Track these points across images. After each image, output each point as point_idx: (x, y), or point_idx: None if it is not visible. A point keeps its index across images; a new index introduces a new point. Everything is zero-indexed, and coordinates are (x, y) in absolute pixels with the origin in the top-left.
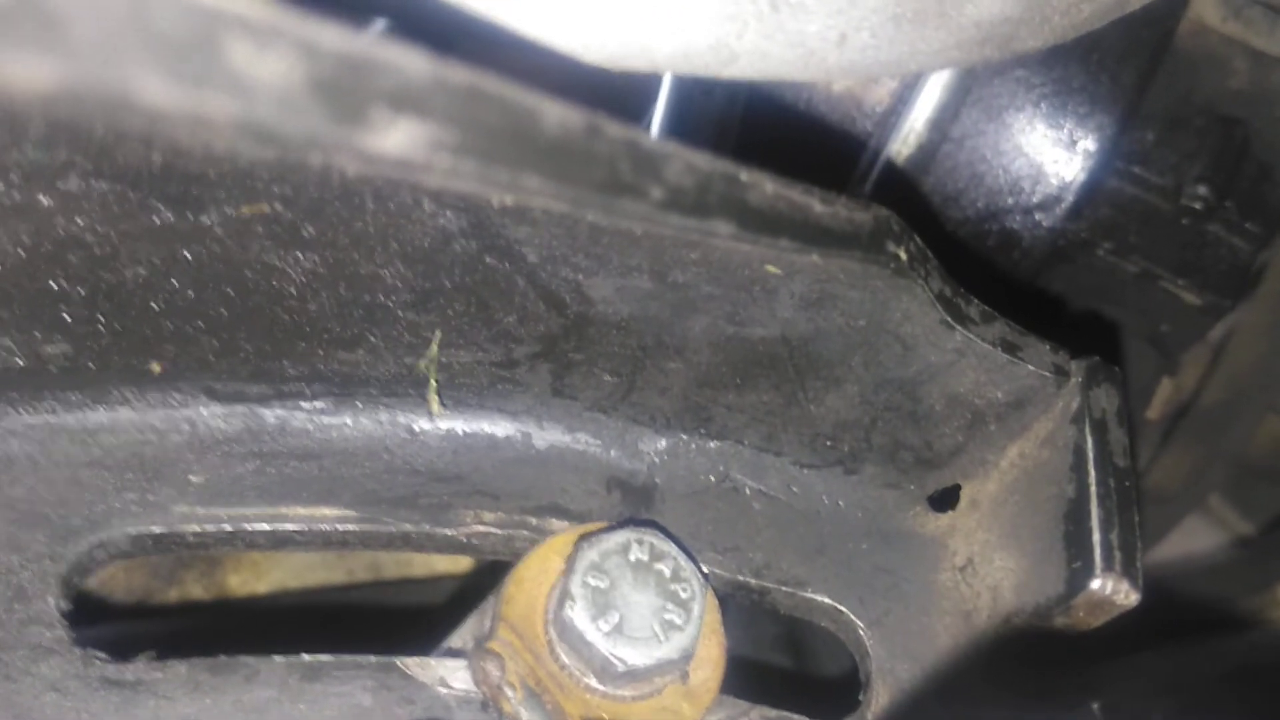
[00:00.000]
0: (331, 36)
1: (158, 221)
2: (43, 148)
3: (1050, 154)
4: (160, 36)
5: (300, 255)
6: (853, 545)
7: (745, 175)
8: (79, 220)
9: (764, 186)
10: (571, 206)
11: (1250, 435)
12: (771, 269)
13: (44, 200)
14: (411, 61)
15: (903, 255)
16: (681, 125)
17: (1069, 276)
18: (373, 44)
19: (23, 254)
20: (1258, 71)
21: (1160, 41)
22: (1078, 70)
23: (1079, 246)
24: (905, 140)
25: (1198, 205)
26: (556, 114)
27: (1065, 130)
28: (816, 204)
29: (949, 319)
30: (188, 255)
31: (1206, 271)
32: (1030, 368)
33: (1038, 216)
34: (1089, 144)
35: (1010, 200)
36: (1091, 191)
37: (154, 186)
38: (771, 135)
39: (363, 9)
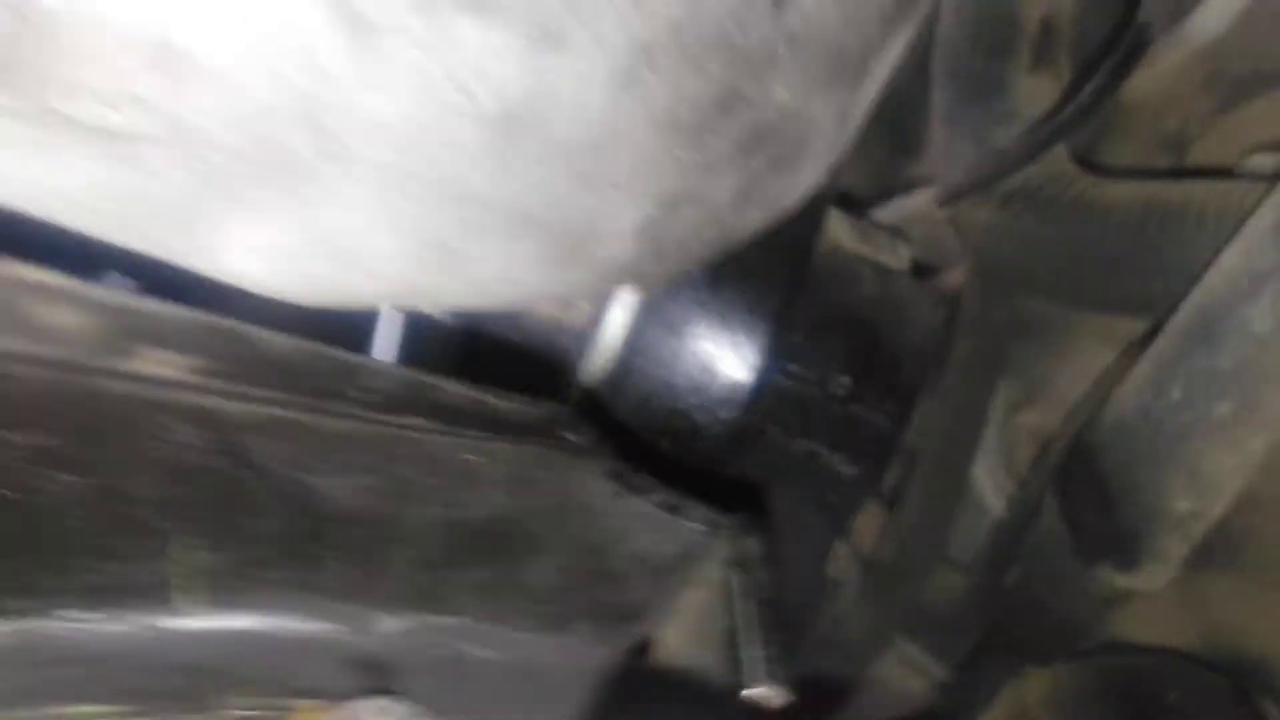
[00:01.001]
0: (114, 296)
1: None
2: None
3: (722, 360)
4: None
5: (61, 476)
6: (572, 695)
7: (430, 379)
8: None
9: (448, 388)
10: (290, 410)
11: (925, 585)
12: (471, 458)
13: None
14: (174, 312)
15: (574, 439)
16: (411, 341)
17: (751, 459)
18: (138, 299)
19: None
20: (883, 282)
21: (800, 264)
22: (735, 290)
23: (754, 433)
24: (602, 354)
25: (841, 392)
26: (272, 340)
27: (732, 339)
28: (494, 400)
29: (620, 489)
30: None
31: (855, 447)
32: (689, 525)
33: (716, 411)
34: (749, 350)
35: (694, 400)
36: (757, 389)
37: None
38: (492, 351)
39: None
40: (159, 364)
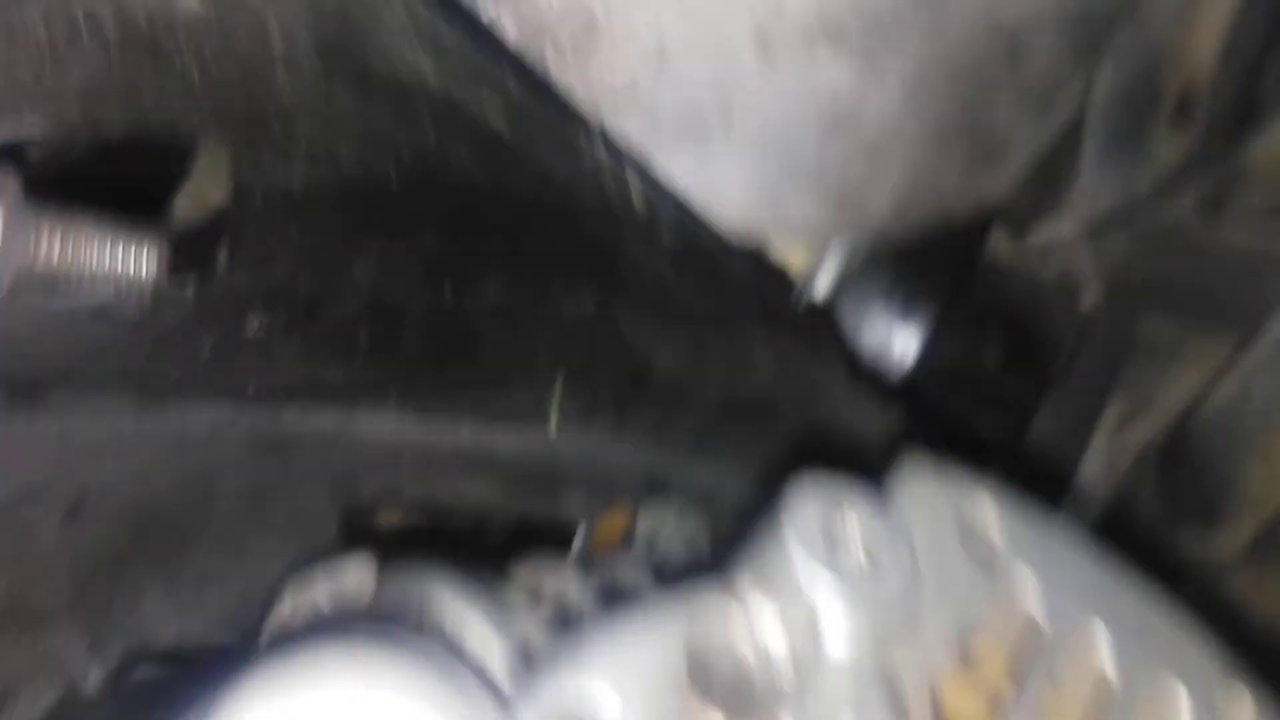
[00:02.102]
0: None
1: None
2: None
3: (897, 333)
4: None
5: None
6: None
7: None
8: None
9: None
10: None
11: None
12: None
13: None
14: None
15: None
16: None
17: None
18: None
19: None
20: (1031, 290)
21: (966, 267)
22: (914, 279)
23: (918, 392)
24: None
25: (992, 368)
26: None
27: (906, 317)
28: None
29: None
30: None
31: (999, 414)
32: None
33: (891, 372)
34: (921, 327)
35: (870, 362)
36: (924, 357)
37: None
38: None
39: None
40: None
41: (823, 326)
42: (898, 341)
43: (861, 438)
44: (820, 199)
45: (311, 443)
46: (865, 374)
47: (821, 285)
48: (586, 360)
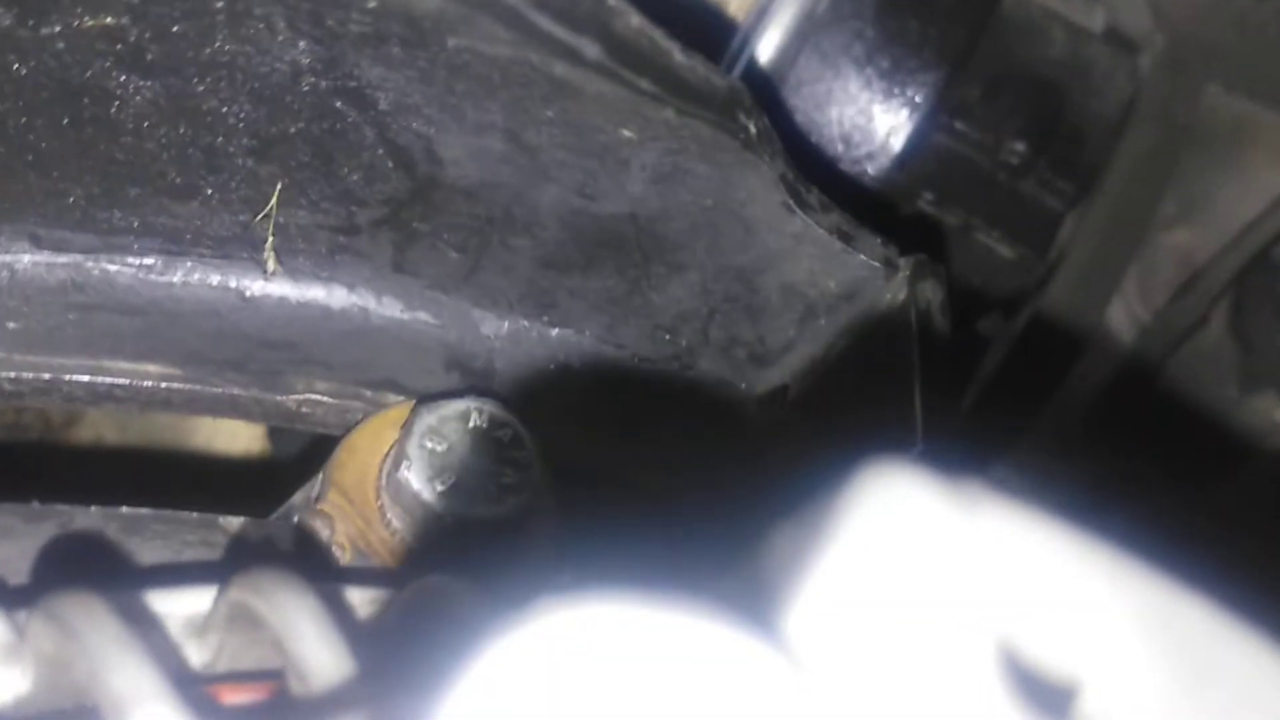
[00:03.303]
0: None
1: None
2: None
3: (880, 105)
4: None
5: (141, 82)
6: (687, 439)
7: (613, 1)
8: None
9: (630, 18)
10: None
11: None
12: (627, 133)
13: None
14: None
15: (752, 129)
16: None
17: (892, 225)
18: None
19: None
20: (1074, 43)
21: (987, 7)
22: (911, 25)
23: (902, 195)
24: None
25: (1014, 161)
26: None
27: (895, 82)
28: (677, 52)
29: (790, 202)
30: (23, 72)
31: (1019, 226)
32: (862, 258)
33: (865, 165)
34: (916, 97)
35: (840, 147)
36: (916, 142)
37: None
38: None
39: None
40: None
41: (748, 97)
42: (881, 120)
43: (803, 288)
44: None
45: None
46: (824, 181)
47: (760, 53)
48: (320, 150)
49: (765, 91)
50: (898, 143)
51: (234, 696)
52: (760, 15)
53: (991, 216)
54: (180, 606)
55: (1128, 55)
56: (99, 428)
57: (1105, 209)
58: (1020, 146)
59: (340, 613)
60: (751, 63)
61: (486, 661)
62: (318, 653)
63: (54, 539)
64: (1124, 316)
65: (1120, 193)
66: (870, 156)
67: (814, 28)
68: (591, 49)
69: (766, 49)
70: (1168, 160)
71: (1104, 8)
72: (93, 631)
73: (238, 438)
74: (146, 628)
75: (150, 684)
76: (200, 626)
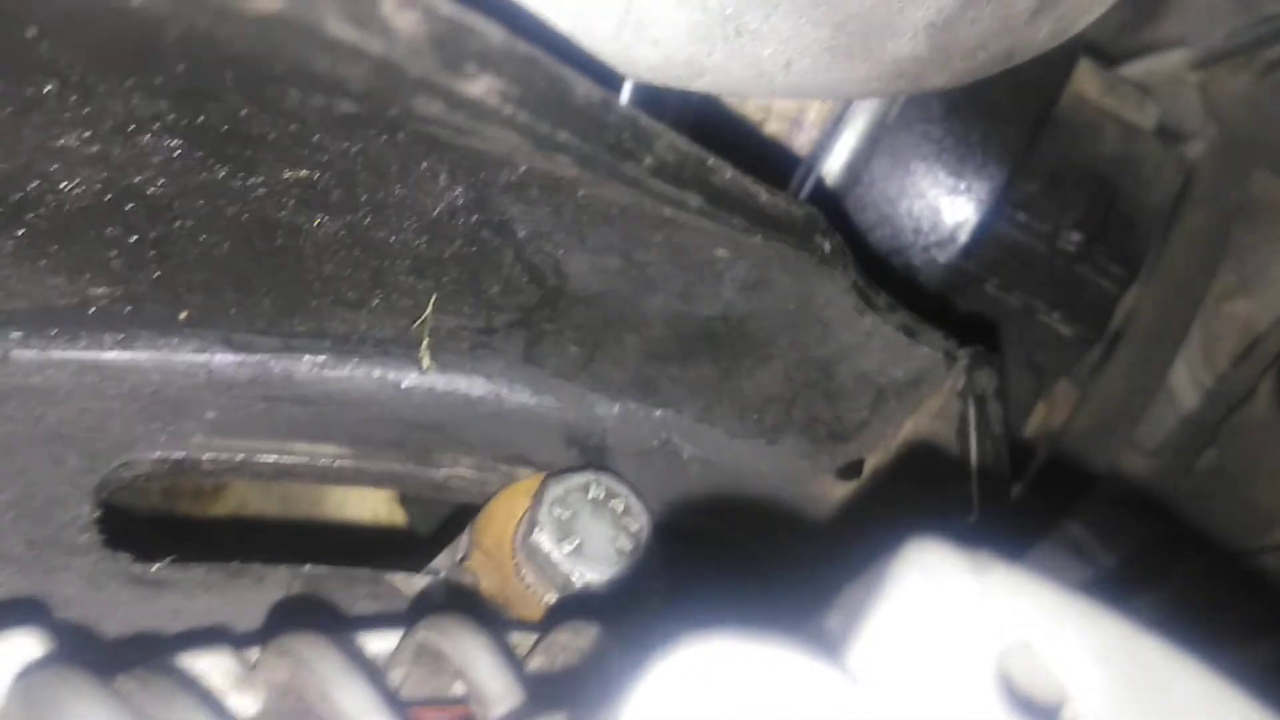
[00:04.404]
0: (445, 4)
1: (212, 179)
2: (148, 95)
3: (947, 199)
4: None
5: (325, 218)
6: (772, 506)
7: (712, 160)
8: (146, 173)
9: (725, 171)
10: (584, 168)
11: (1112, 464)
12: (721, 252)
13: (119, 152)
14: (494, 31)
15: (827, 246)
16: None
17: (960, 306)
18: (469, 13)
19: (88, 201)
20: (1127, 139)
21: (1045, 108)
22: (974, 127)
23: (969, 281)
24: (826, 179)
25: (1071, 249)
26: (584, 86)
27: (961, 179)
28: (763, 193)
29: (862, 304)
30: (229, 211)
31: (1077, 307)
32: (926, 350)
33: (935, 253)
34: (981, 192)
35: (912, 238)
36: (981, 233)
37: (218, 145)
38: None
39: None
40: (481, 86)
41: (823, 221)
42: (949, 213)
43: (874, 376)
44: (808, 30)
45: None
46: (893, 286)
47: (838, 155)
48: (468, 268)
49: (843, 187)
50: (965, 233)
51: (431, 718)
52: (837, 122)
53: (1051, 299)
54: (369, 645)
55: (1177, 147)
56: (244, 496)
57: (1162, 284)
58: (1077, 236)
59: (505, 651)
60: (830, 163)
61: (652, 681)
62: (496, 682)
63: (251, 592)
64: (1188, 382)
65: (1177, 269)
66: (940, 245)
67: (886, 132)
68: (695, 199)
69: (843, 150)
70: (1221, 237)
71: (1156, 103)
72: (322, 662)
73: (364, 504)
74: (357, 661)
75: (373, 704)
76: (385, 662)
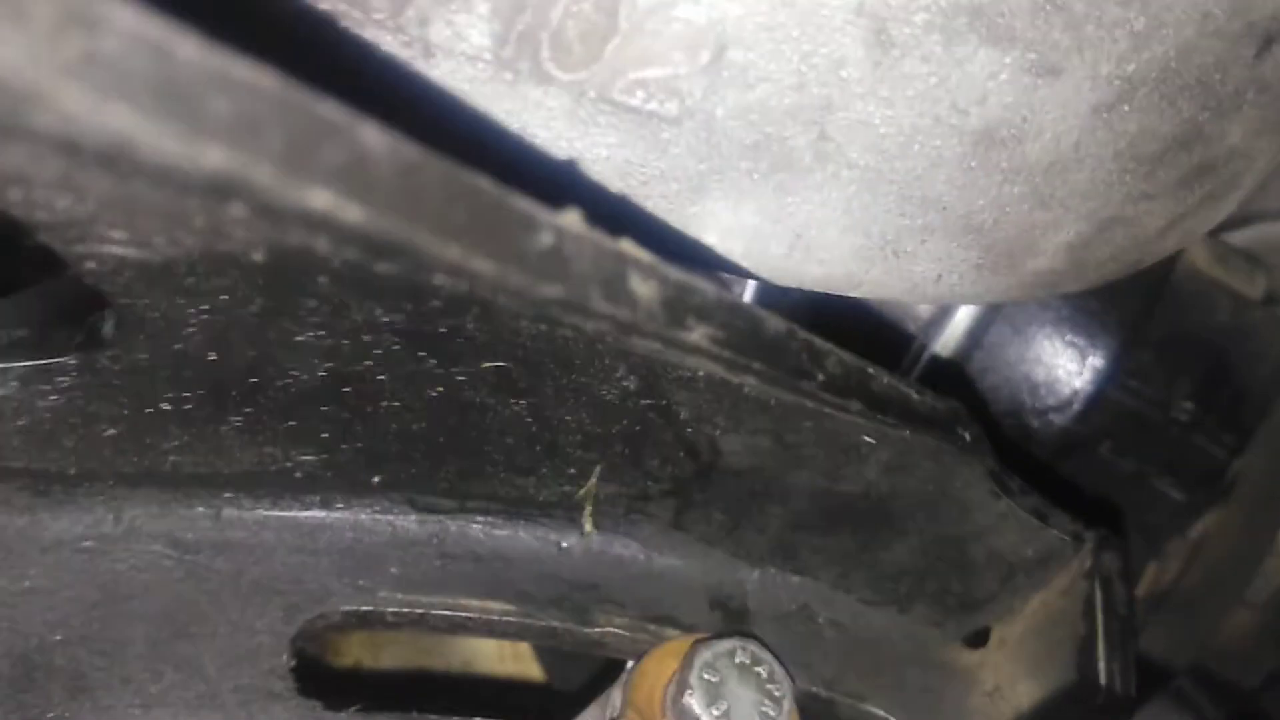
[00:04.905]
0: (671, 270)
1: (422, 368)
2: (391, 311)
3: (1064, 366)
4: (591, 268)
5: (511, 399)
6: (903, 670)
7: (872, 369)
8: (366, 363)
9: (883, 379)
10: (771, 385)
11: (1220, 621)
12: (867, 439)
13: (347, 344)
14: (708, 287)
15: (968, 437)
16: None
17: (1074, 470)
18: (690, 275)
19: (313, 386)
20: (1237, 310)
21: (1159, 280)
22: (1091, 299)
23: (1084, 444)
24: (945, 345)
25: (1184, 417)
26: (774, 322)
27: (1077, 347)
28: (914, 395)
29: (998, 489)
30: (432, 395)
31: (1189, 473)
32: (1055, 533)
33: (1051, 417)
34: (1096, 360)
35: (1029, 402)
36: (1096, 400)
37: (435, 343)
38: (836, 329)
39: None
40: (697, 334)
41: (964, 413)
42: (1065, 380)
43: (1005, 554)
44: (959, 252)
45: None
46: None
47: (959, 321)
48: (631, 444)
49: (963, 352)
50: (1080, 400)
51: None
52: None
53: (1164, 464)
54: None
55: None
56: (369, 645)
57: (1272, 451)
58: (1189, 404)
59: None
60: (951, 329)
61: None
62: None
63: None
64: None
65: None
66: (1056, 409)
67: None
68: (855, 405)
69: (965, 318)
70: None
71: (1264, 275)
72: None
73: (491, 658)
74: None
75: None
76: None
